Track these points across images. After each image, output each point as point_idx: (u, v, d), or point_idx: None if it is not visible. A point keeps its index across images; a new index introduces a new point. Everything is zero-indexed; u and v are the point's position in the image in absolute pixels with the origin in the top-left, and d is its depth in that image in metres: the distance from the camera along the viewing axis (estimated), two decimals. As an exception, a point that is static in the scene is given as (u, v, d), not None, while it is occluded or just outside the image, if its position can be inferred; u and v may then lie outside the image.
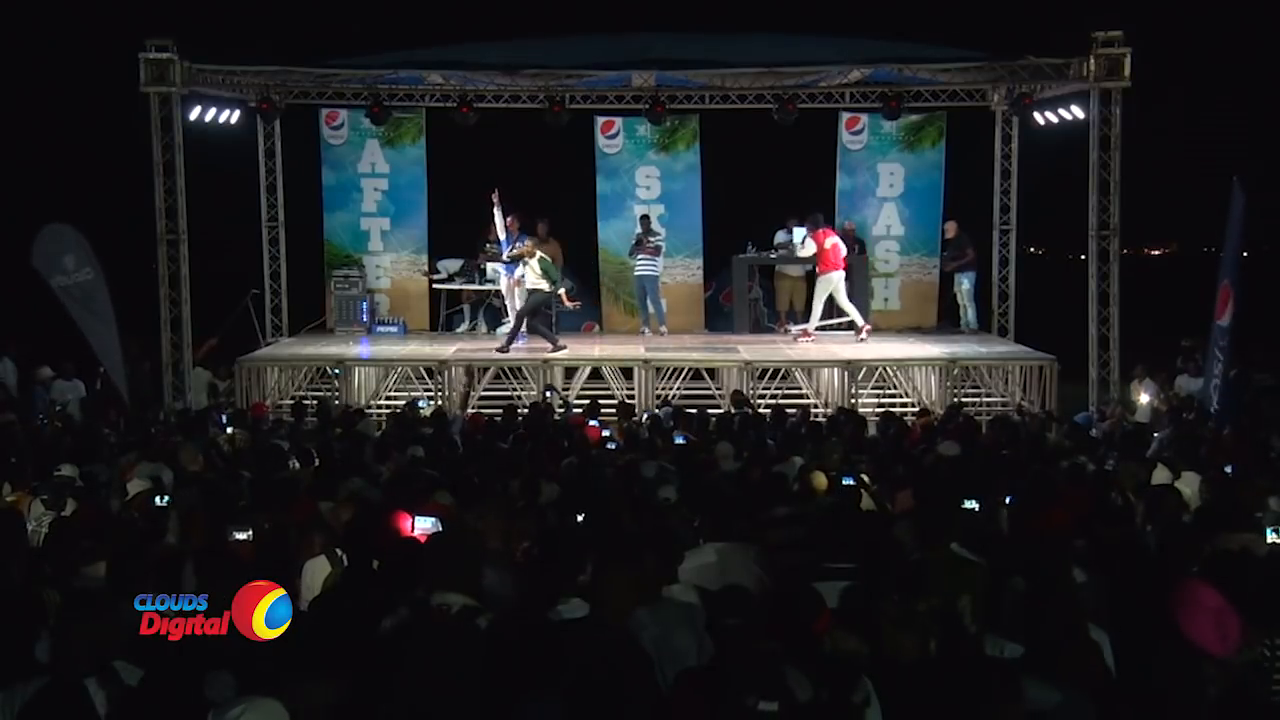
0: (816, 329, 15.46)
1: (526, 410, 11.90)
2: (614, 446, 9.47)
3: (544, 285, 14.09)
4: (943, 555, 4.89)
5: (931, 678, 3.56)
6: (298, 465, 8.73)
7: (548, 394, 13.00)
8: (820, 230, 14.87)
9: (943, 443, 9.23)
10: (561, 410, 12.15)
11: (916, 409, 13.33)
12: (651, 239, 15.88)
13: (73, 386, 13.73)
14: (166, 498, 6.91)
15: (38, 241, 13.38)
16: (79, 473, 7.77)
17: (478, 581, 4.54)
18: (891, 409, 13.14)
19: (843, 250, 14.84)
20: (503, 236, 15.09)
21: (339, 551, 5.54)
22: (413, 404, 12.65)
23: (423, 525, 5.42)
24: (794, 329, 15.80)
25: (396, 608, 4.28)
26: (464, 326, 17.09)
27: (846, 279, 16.52)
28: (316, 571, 5.38)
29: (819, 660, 3.85)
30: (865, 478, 7.53)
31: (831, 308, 16.78)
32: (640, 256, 15.89)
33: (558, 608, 4.38)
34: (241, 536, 5.70)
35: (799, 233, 15.46)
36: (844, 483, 7.21)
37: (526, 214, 15.66)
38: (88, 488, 7.51)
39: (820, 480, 7.25)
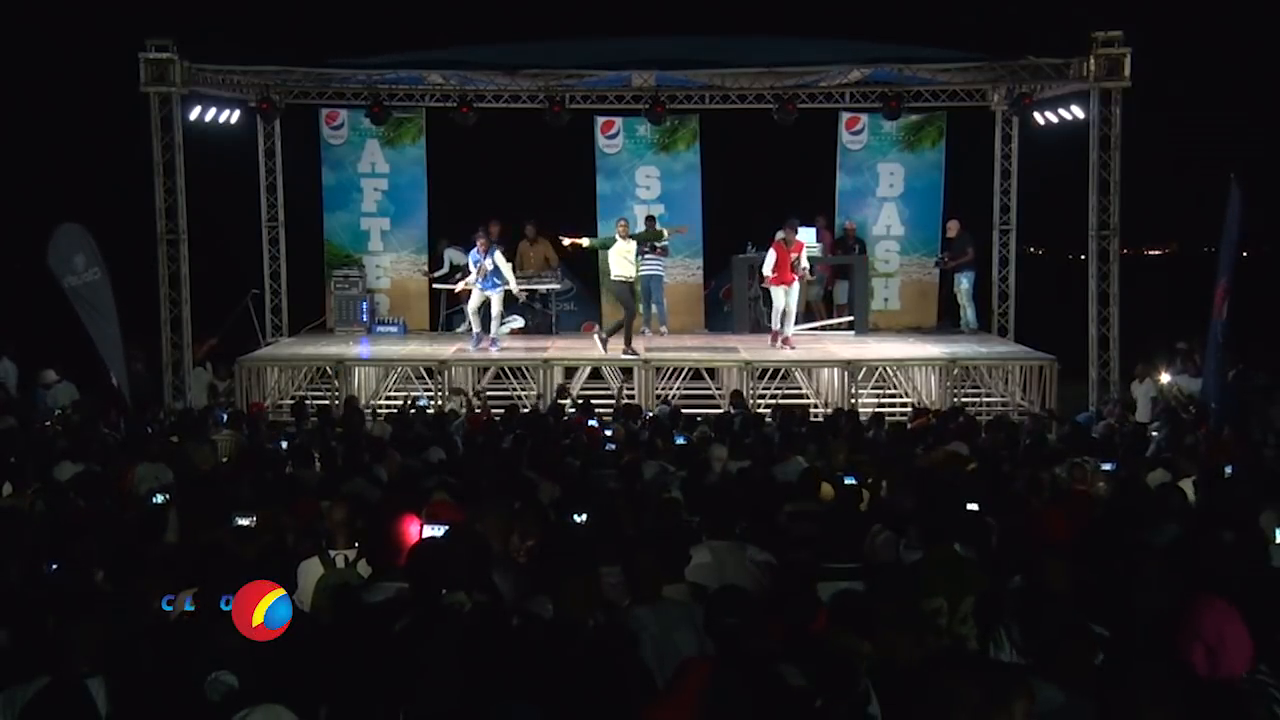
0: (811, 329, 15.51)
1: (528, 410, 11.93)
2: (614, 447, 9.46)
3: (628, 271, 14.02)
4: (946, 556, 4.88)
5: (934, 678, 3.55)
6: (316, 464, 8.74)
7: (559, 396, 13.02)
8: (778, 243, 14.38)
9: (953, 443, 9.23)
10: (573, 410, 12.18)
11: (910, 410, 13.31)
12: (659, 240, 15.88)
13: (66, 389, 13.69)
14: (166, 497, 6.91)
15: (53, 241, 13.41)
16: (80, 472, 7.77)
17: (485, 581, 4.56)
18: (888, 409, 13.15)
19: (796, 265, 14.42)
20: (475, 253, 14.48)
21: (331, 553, 5.54)
22: (414, 403, 12.65)
23: (431, 533, 5.40)
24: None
25: (409, 609, 4.28)
26: (464, 326, 17.07)
27: (847, 279, 16.59)
28: (310, 573, 5.38)
29: (818, 659, 3.85)
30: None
31: (831, 308, 16.85)
32: (647, 257, 15.84)
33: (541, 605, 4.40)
34: (244, 522, 5.70)
35: (806, 232, 15.40)
36: (846, 482, 7.21)
37: (515, 220, 15.58)
38: (88, 488, 7.50)
39: (826, 490, 7.21)
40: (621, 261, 14.08)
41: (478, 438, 10.16)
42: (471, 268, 14.49)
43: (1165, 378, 13.68)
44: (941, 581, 4.54)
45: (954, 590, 4.52)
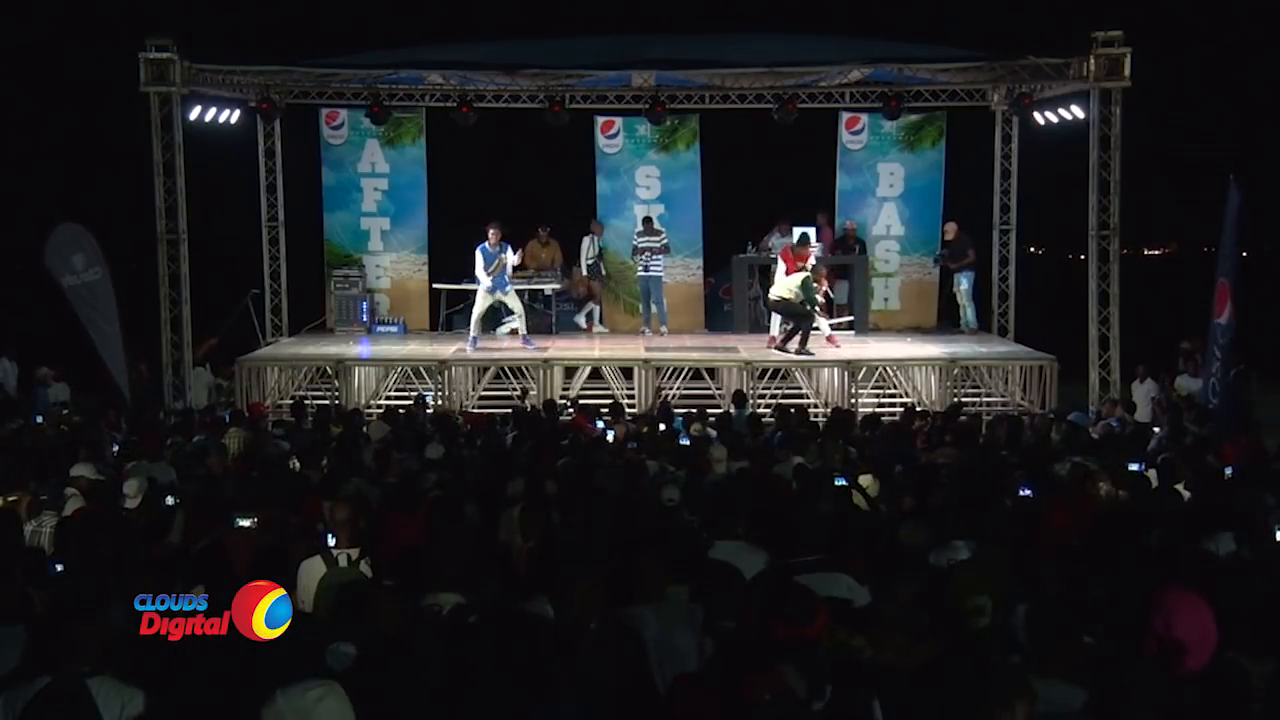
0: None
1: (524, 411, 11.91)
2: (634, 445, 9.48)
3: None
4: (996, 556, 4.87)
5: (937, 679, 3.55)
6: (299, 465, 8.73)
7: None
8: (786, 249, 14.41)
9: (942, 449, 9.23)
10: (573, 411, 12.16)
11: (904, 410, 13.27)
12: (657, 239, 15.88)
13: (60, 389, 13.67)
14: (171, 498, 6.92)
15: (51, 241, 13.40)
16: (95, 472, 7.74)
17: (470, 581, 4.56)
18: (887, 409, 13.12)
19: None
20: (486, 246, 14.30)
21: (334, 552, 5.54)
22: (420, 400, 12.64)
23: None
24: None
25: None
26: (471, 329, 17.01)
27: (847, 279, 16.57)
28: (311, 572, 5.39)
29: (819, 660, 3.85)
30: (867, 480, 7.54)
31: (832, 308, 16.82)
32: (653, 256, 15.83)
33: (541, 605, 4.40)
34: (245, 523, 5.71)
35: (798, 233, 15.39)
36: (837, 483, 7.22)
37: (515, 220, 15.53)
38: (93, 488, 7.49)
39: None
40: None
41: (478, 438, 10.16)
42: (483, 263, 14.16)
43: (1144, 396, 13.66)
44: (975, 582, 4.52)
45: (979, 590, 4.50)
